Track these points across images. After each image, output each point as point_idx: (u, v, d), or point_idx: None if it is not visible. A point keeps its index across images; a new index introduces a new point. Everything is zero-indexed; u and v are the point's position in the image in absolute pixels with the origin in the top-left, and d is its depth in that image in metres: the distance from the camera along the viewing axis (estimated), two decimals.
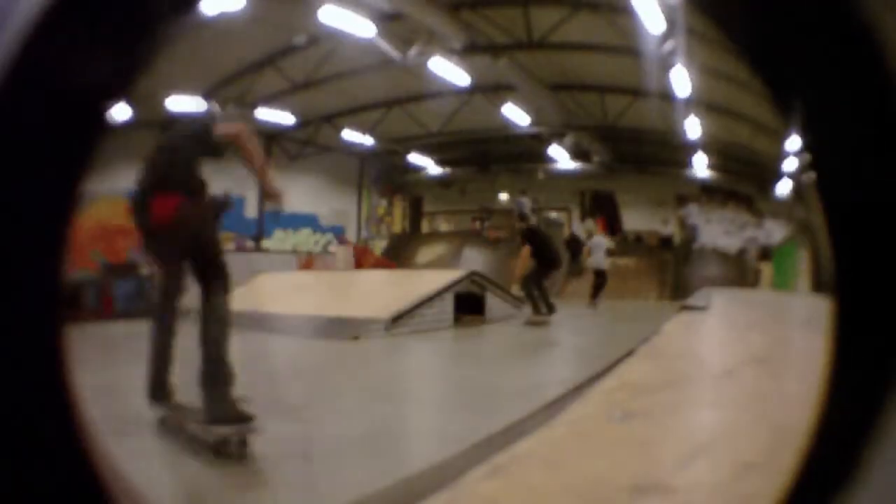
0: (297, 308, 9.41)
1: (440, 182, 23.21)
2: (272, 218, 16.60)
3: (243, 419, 2.98)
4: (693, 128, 16.12)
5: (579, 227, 19.96)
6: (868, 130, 0.60)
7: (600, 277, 13.63)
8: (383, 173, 23.00)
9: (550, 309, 9.73)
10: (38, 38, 0.56)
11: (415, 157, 21.89)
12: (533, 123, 18.11)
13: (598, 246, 14.01)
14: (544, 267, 9.93)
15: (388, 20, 12.81)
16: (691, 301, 8.74)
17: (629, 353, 3.75)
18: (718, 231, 19.16)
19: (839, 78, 0.61)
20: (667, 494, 1.32)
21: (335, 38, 13.26)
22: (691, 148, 17.81)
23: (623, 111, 16.90)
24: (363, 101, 17.78)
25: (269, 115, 16.91)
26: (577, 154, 20.00)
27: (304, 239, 20.39)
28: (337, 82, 15.73)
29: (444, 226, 23.86)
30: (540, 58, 14.73)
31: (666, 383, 2.63)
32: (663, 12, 10.64)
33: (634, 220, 20.65)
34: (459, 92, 16.37)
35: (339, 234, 21.30)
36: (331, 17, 11.96)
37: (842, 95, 0.61)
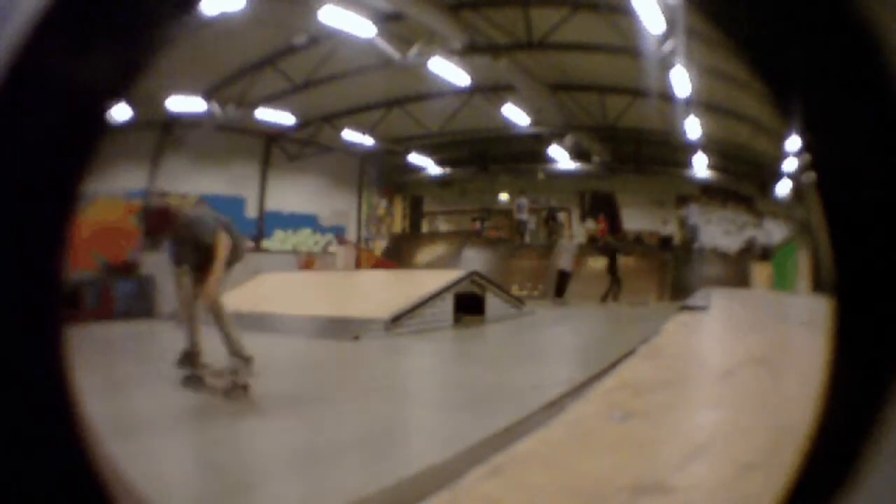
0: (298, 308, 9.40)
1: (440, 182, 23.17)
2: None
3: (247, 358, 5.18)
4: (693, 128, 16.10)
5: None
6: (868, 130, 0.60)
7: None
8: (383, 173, 22.97)
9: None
10: (38, 38, 0.56)
11: (415, 157, 21.85)
12: (533, 123, 18.07)
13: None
14: None
15: (388, 20, 12.79)
16: (691, 301, 8.74)
17: (629, 353, 3.74)
18: (718, 231, 19.14)
19: (839, 78, 0.60)
20: (667, 494, 1.32)
21: (335, 38, 13.23)
22: (691, 148, 17.78)
23: (623, 111, 16.87)
24: (363, 101, 17.75)
25: (269, 115, 16.90)
26: (577, 154, 19.97)
27: (304, 239, 20.37)
28: (337, 82, 15.69)
29: (444, 226, 23.82)
30: (540, 58, 14.71)
31: (666, 383, 2.62)
32: (663, 12, 10.62)
33: (634, 220, 20.63)
34: (459, 92, 16.34)
35: (339, 234, 21.28)
36: (331, 17, 11.95)
37: (842, 96, 0.61)
